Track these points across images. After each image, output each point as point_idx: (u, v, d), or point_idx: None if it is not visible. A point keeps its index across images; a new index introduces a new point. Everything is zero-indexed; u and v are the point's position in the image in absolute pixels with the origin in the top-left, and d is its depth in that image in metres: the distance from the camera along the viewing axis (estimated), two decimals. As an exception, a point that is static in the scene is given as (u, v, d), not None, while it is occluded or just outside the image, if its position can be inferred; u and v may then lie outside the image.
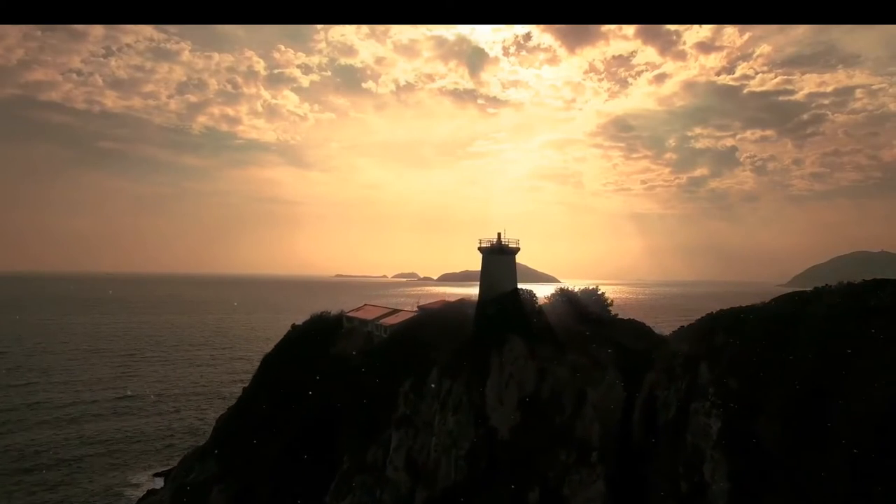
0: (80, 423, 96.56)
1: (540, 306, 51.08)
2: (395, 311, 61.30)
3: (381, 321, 58.35)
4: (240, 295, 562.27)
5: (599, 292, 58.48)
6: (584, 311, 55.98)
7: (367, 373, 51.14)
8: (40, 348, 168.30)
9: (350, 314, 65.56)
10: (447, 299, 66.31)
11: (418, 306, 67.55)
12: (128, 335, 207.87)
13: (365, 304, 69.81)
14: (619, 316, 60.02)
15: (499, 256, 51.21)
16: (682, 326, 48.29)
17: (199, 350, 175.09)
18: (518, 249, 52.36)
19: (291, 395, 59.34)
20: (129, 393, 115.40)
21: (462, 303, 58.77)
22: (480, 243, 52.25)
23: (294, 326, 68.19)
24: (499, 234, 52.17)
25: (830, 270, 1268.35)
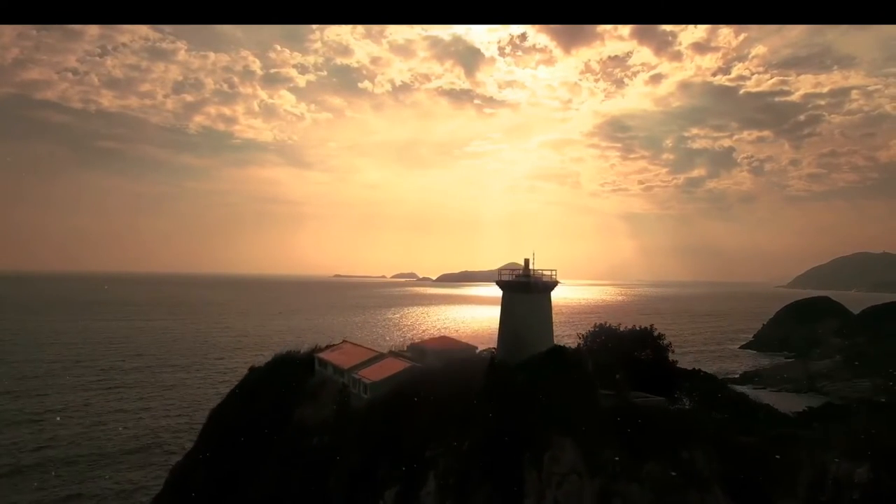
0: (30, 472, 78.82)
1: (593, 376, 34.46)
2: (379, 357, 45.06)
3: (361, 373, 42.46)
4: (236, 296, 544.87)
5: (655, 333, 42.59)
6: (637, 360, 40.07)
7: (336, 461, 35.49)
8: (10, 360, 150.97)
9: (323, 356, 49.33)
10: (448, 335, 50.66)
11: (411, 345, 51.54)
12: (112, 343, 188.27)
13: (344, 341, 53.33)
14: (677, 361, 44.24)
15: (526, 296, 35.29)
16: (806, 407, 32.63)
17: (185, 363, 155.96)
18: (555, 284, 36.10)
19: (239, 474, 43.40)
20: (95, 422, 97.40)
21: (472, 352, 42.76)
22: (500, 275, 35.94)
23: (252, 370, 52.22)
24: (527, 262, 35.86)
25: (832, 272, 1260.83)
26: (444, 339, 48.40)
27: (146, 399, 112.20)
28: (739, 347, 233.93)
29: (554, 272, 35.89)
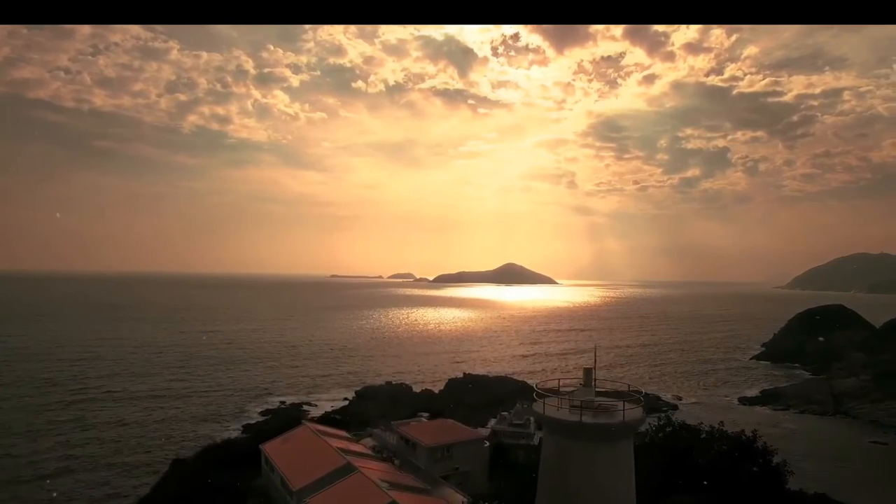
0: None
1: None
2: (345, 470, 30.40)
3: (312, 503, 28.44)
4: (230, 298, 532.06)
5: (760, 443, 28.54)
6: (735, 480, 26.39)
7: None
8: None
9: (271, 452, 35.41)
10: (449, 421, 36.99)
11: (399, 427, 38.06)
12: (85, 356, 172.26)
13: (304, 425, 39.00)
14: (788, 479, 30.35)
15: (592, 446, 18.66)
16: None
17: (157, 385, 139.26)
18: (642, 420, 19.71)
19: None
20: (41, 469, 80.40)
21: (480, 447, 29.47)
22: (538, 395, 19.85)
23: (176, 464, 38.86)
24: (588, 373, 20.10)
25: (830, 272, 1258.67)
26: (442, 428, 34.85)
27: (106, 436, 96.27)
28: (750, 358, 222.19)
29: (639, 392, 20.11)
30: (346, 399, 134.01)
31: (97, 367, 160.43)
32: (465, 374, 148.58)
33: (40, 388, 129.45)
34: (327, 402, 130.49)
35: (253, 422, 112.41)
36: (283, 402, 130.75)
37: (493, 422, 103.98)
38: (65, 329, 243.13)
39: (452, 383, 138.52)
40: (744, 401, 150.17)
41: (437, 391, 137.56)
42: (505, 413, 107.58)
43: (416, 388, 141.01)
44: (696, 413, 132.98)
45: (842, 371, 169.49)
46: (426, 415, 41.02)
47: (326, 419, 50.16)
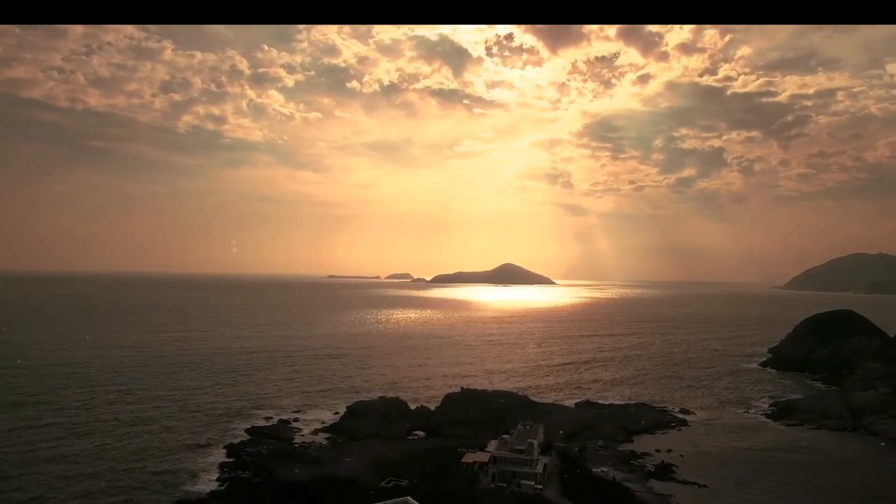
0: None
1: None
2: None
3: None
4: (227, 299, 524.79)
5: None
6: None
7: None
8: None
9: None
10: None
11: None
12: (66, 370, 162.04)
13: None
14: None
15: None
16: None
17: (150, 399, 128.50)
18: None
19: None
20: None
21: None
22: None
23: None
24: None
25: (829, 273, 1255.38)
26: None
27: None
28: (758, 366, 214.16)
29: None
30: (336, 413, 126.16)
31: (86, 377, 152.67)
32: (462, 388, 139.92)
33: (16, 408, 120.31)
34: (317, 420, 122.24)
35: (237, 441, 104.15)
36: (269, 418, 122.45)
37: (493, 444, 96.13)
38: (57, 334, 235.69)
39: (449, 399, 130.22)
40: (756, 415, 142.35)
41: (432, 408, 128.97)
42: (506, 436, 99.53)
43: (411, 404, 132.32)
44: (708, 432, 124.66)
45: (858, 382, 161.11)
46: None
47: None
